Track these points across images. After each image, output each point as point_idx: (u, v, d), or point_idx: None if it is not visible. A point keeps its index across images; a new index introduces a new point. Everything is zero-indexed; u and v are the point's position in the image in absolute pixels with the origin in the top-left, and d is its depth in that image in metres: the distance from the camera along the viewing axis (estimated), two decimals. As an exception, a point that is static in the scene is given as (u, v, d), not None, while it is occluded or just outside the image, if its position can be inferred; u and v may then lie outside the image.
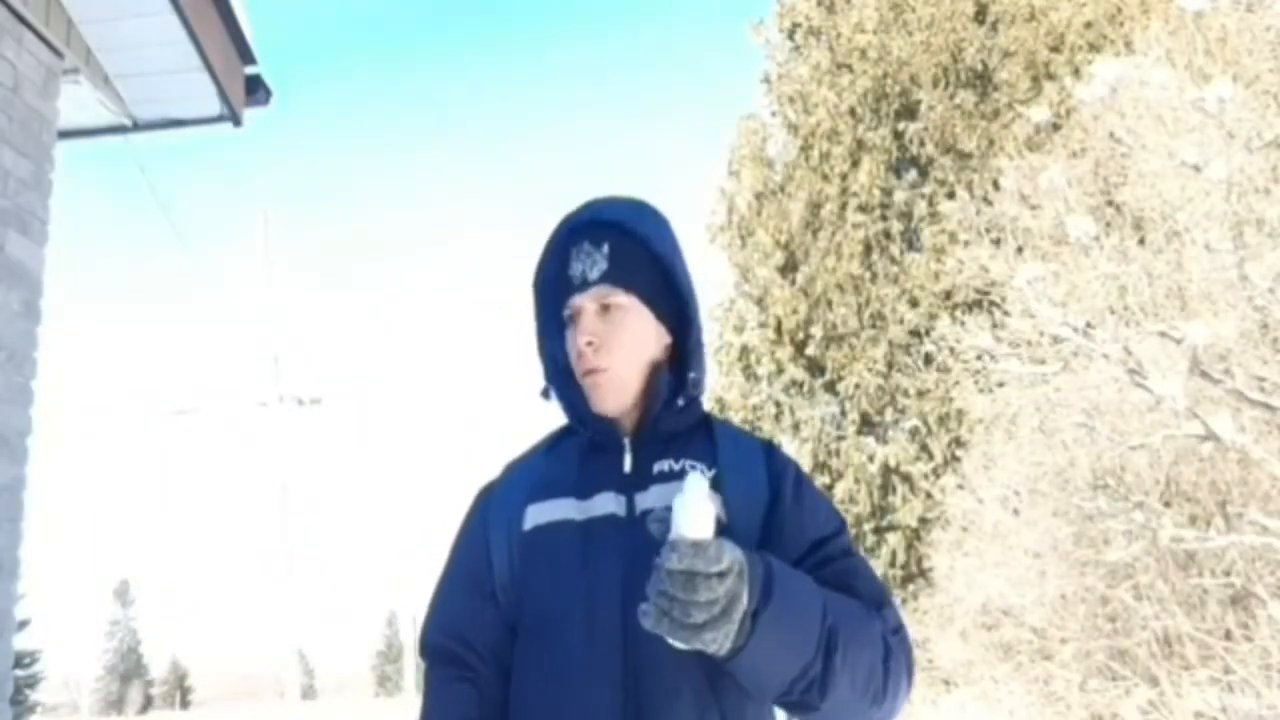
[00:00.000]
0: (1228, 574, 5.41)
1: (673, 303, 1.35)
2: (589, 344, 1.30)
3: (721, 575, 1.01)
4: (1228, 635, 5.12)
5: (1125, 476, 5.92)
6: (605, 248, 1.33)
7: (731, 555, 1.02)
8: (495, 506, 1.36)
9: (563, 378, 1.38)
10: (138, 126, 4.06)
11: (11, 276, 3.17)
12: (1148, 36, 6.27)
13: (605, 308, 1.32)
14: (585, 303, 1.32)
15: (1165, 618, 5.54)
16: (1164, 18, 7.03)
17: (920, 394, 12.17)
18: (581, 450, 1.35)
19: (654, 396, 1.32)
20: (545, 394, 1.40)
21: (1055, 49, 12.81)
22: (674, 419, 1.33)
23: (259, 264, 16.59)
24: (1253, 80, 5.27)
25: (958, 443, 11.14)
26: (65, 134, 3.63)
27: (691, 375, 1.34)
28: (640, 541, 1.20)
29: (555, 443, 1.41)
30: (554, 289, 1.37)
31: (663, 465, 1.29)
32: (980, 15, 13.60)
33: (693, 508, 1.03)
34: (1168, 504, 5.67)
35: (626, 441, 1.32)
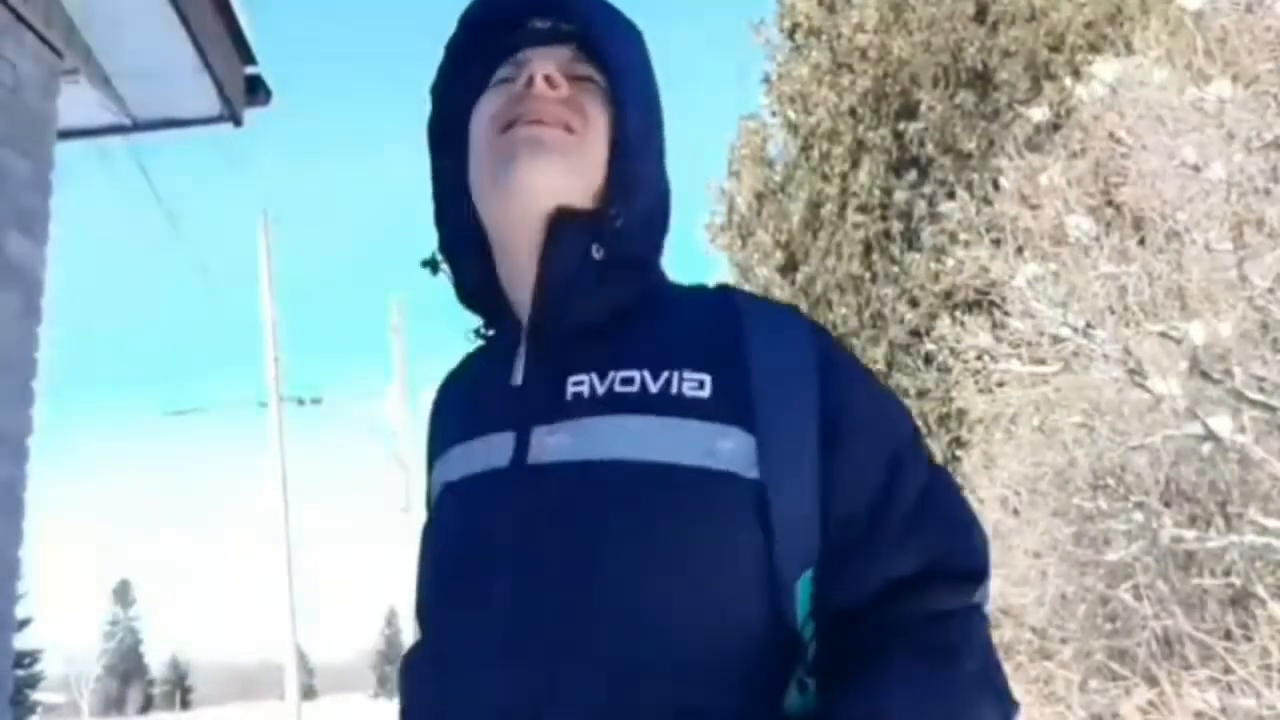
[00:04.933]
0: (1228, 574, 5.40)
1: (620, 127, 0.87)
2: (547, 79, 0.84)
3: None
4: (1228, 635, 5.11)
5: (1125, 476, 5.91)
6: (578, 8, 0.89)
7: None
8: (431, 441, 0.98)
9: (464, 244, 0.90)
10: (138, 126, 4.05)
11: (11, 276, 3.16)
12: (1148, 36, 6.27)
13: (576, 79, 0.87)
14: (548, 59, 0.85)
15: (1165, 618, 5.53)
16: (1164, 18, 7.03)
17: (920, 394, 12.17)
18: (484, 369, 0.93)
19: (557, 248, 0.82)
20: (433, 265, 0.93)
21: (1055, 49, 12.81)
22: (588, 293, 0.83)
23: (259, 264, 16.57)
24: (1253, 80, 5.26)
25: (958, 443, 11.13)
26: (65, 134, 3.62)
27: (611, 211, 0.84)
28: (535, 509, 0.78)
29: (478, 357, 0.98)
30: (472, 82, 0.89)
31: (580, 384, 0.80)
32: (980, 15, 13.59)
33: None
34: (1168, 504, 5.67)
35: (522, 337, 0.85)
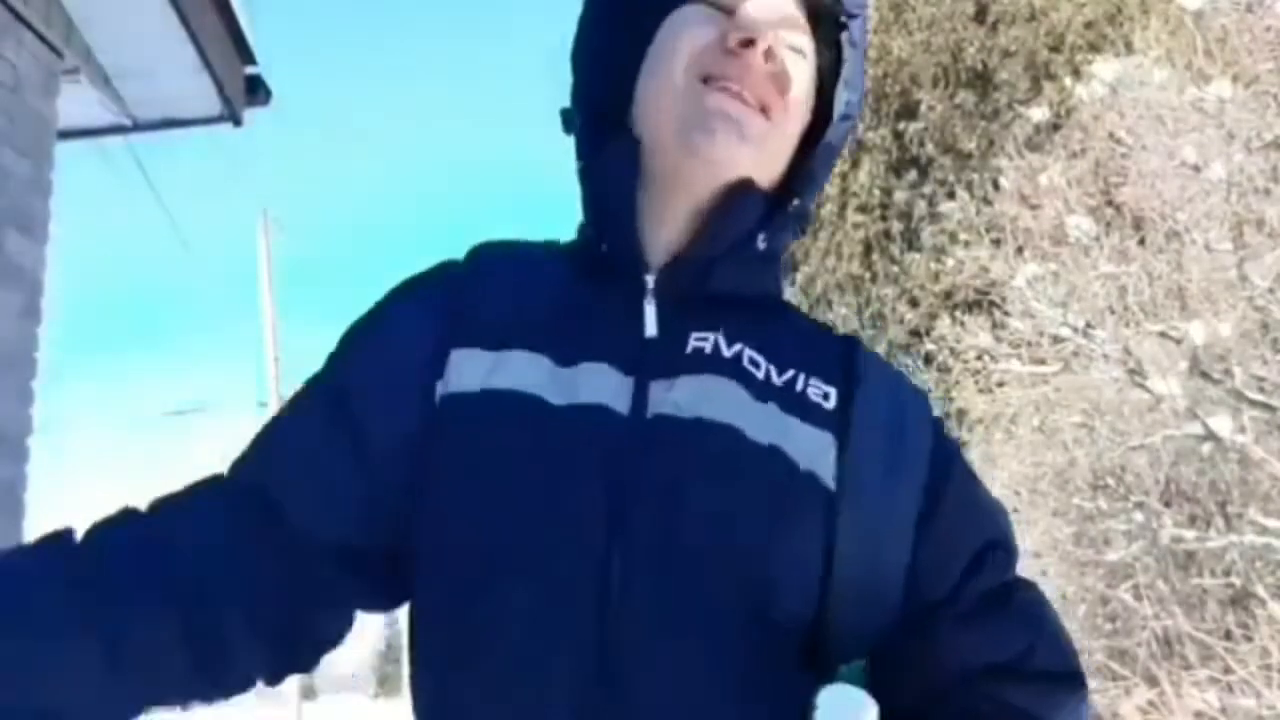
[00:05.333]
0: (1228, 574, 5.40)
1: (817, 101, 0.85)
2: (767, 53, 0.77)
3: None
4: (1228, 635, 5.11)
5: (1125, 476, 5.91)
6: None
7: None
8: (437, 310, 0.81)
9: (599, 132, 0.82)
10: (138, 126, 4.06)
11: (11, 276, 3.16)
12: (1148, 36, 6.27)
13: (795, 50, 0.81)
14: (773, 21, 0.78)
15: (1165, 618, 5.53)
16: (1164, 18, 7.03)
17: (920, 394, 12.18)
18: (569, 280, 0.82)
19: (729, 221, 0.78)
20: (569, 123, 0.84)
21: (1055, 49, 12.80)
22: (740, 270, 0.80)
23: (259, 263, 16.57)
24: (1253, 80, 5.26)
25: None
26: (65, 134, 3.63)
27: (796, 204, 0.82)
28: (650, 463, 0.72)
29: (543, 257, 0.85)
30: None
31: (704, 340, 0.77)
32: (980, 15, 13.59)
33: None
34: (1168, 504, 5.67)
35: (650, 282, 0.79)
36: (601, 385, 0.75)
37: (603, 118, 0.82)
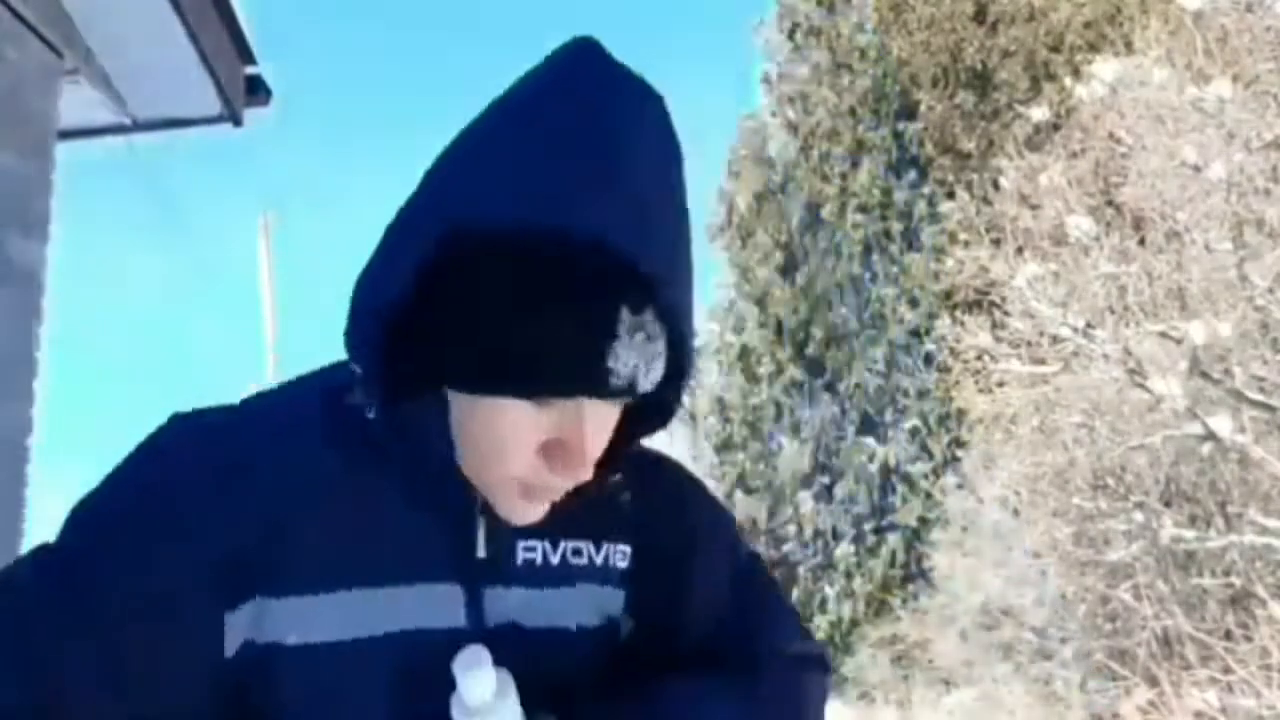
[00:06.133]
0: (1228, 574, 5.41)
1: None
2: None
3: None
4: (1228, 635, 5.12)
5: (1125, 476, 5.92)
6: (663, 334, 0.70)
7: None
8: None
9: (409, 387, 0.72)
10: (138, 126, 4.05)
11: (12, 276, 3.17)
12: (1147, 36, 6.27)
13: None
14: (602, 410, 0.72)
15: (1165, 618, 5.54)
16: (1164, 17, 7.03)
17: (920, 394, 12.18)
18: (375, 479, 0.76)
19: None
20: (370, 405, 0.73)
21: (1055, 49, 12.81)
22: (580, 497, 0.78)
23: (259, 263, 16.56)
24: (1253, 80, 5.27)
25: (958, 443, 11.14)
26: (65, 134, 3.63)
27: (618, 490, 0.84)
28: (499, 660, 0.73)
29: (336, 435, 0.76)
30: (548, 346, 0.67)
31: (533, 549, 0.79)
32: (980, 15, 13.60)
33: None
34: (1168, 504, 5.68)
35: (479, 504, 0.77)
36: (437, 601, 0.75)
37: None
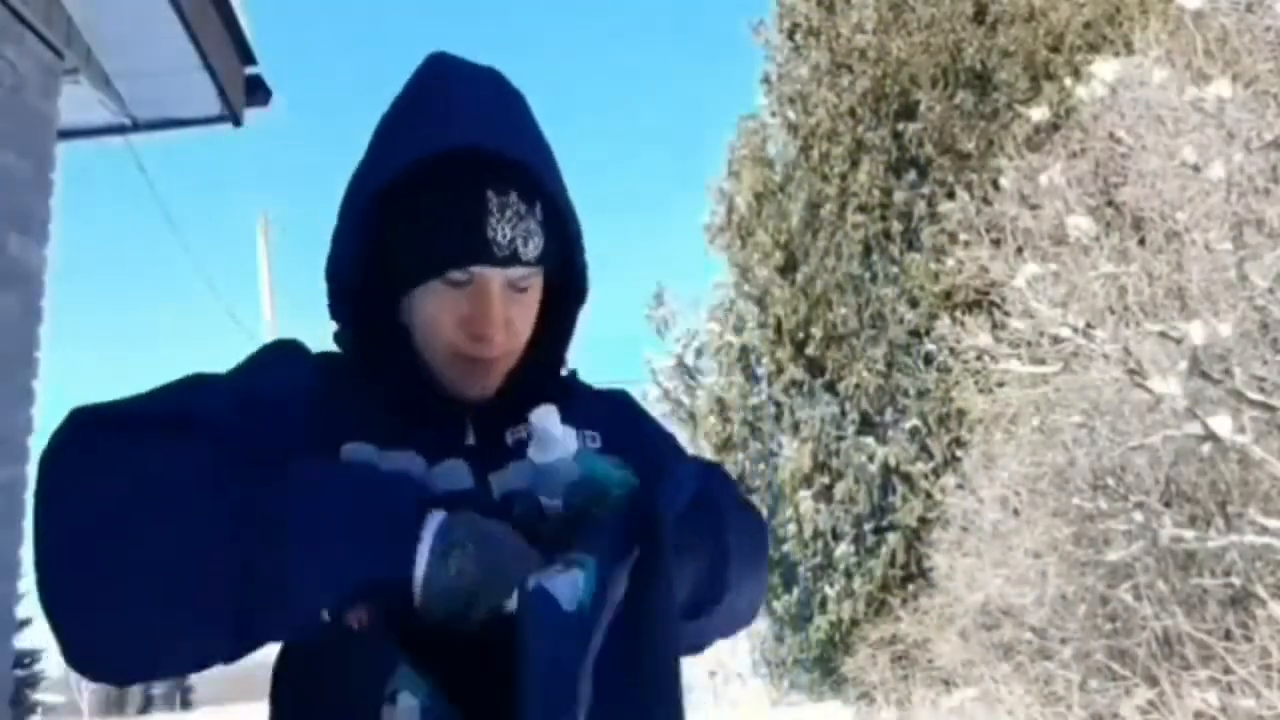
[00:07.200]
0: (1228, 574, 5.41)
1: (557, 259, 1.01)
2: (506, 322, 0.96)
3: None
4: (1228, 635, 5.12)
5: (1125, 476, 5.92)
6: (538, 210, 0.96)
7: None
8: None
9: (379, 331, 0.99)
10: (138, 126, 4.06)
11: (12, 276, 3.17)
12: (1147, 36, 6.27)
13: (519, 289, 0.97)
14: (497, 278, 0.94)
15: (1165, 618, 5.54)
16: (1164, 18, 7.03)
17: (920, 394, 12.18)
18: (382, 407, 0.97)
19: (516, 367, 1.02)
20: (342, 339, 1.02)
21: (1055, 49, 12.81)
22: (533, 388, 0.99)
23: (259, 263, 16.56)
24: (1253, 80, 5.27)
25: (958, 443, 11.14)
26: (65, 134, 3.63)
27: (558, 368, 1.08)
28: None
29: (329, 380, 0.98)
30: (432, 229, 0.93)
31: (518, 432, 0.98)
32: (980, 15, 13.59)
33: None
34: (1168, 504, 5.67)
35: (469, 413, 1.00)
36: (458, 474, 0.94)
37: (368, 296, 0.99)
